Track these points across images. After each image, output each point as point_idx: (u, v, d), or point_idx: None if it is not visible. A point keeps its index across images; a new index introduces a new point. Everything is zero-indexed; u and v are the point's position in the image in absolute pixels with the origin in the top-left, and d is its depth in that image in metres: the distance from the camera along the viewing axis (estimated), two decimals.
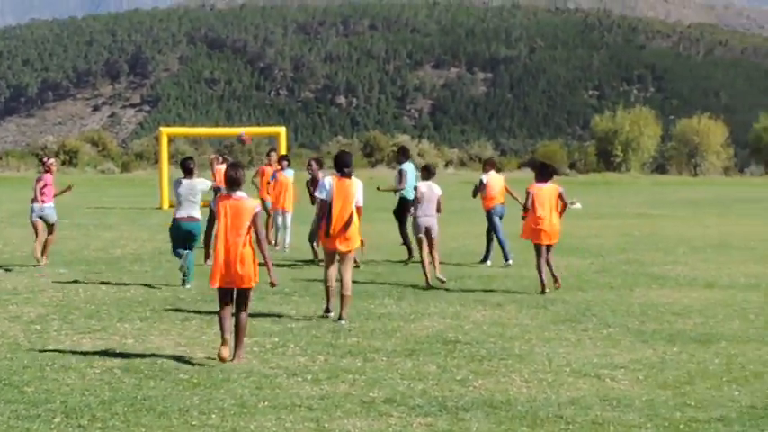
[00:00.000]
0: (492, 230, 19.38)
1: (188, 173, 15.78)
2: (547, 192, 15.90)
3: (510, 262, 18.91)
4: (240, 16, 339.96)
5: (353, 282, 13.27)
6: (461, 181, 70.88)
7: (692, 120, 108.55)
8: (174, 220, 15.68)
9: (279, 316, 12.74)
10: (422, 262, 16.15)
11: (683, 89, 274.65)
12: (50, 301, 13.87)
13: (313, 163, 20.06)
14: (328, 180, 13.06)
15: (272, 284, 10.54)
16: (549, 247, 15.93)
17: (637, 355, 10.37)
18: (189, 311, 13.04)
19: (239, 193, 10.46)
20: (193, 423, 7.82)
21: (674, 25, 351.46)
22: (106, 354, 10.32)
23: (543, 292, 15.18)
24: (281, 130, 42.75)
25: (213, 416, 8.02)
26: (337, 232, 12.80)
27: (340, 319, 12.66)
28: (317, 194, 13.32)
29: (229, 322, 10.27)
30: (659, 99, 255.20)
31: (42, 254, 18.44)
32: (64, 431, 7.62)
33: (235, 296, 10.37)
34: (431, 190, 16.67)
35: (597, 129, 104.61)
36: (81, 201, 44.63)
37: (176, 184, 15.82)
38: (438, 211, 16.61)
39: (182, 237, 15.63)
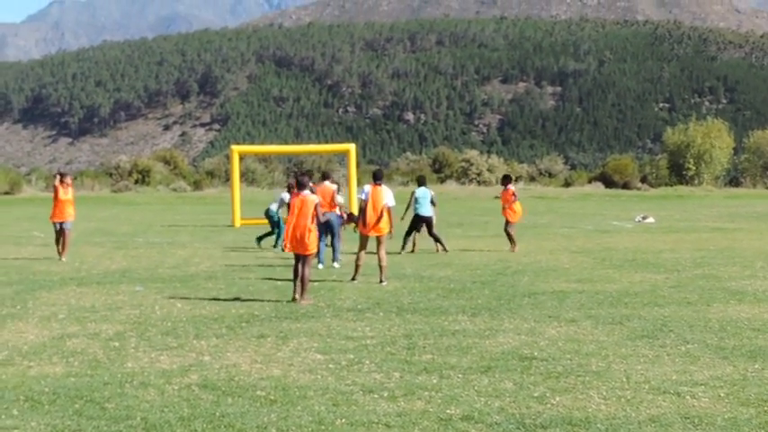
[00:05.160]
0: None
1: None
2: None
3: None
4: (308, 34, 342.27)
5: None
6: (531, 196, 70.59)
7: (765, 131, 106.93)
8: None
9: (353, 333, 12.74)
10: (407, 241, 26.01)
11: (756, 100, 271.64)
12: (127, 319, 14.01)
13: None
14: (367, 187, 18.83)
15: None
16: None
17: (717, 372, 10.20)
18: (264, 328, 13.09)
19: (305, 192, 16.04)
20: None
21: (746, 36, 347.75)
22: (184, 371, 10.39)
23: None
24: (351, 147, 42.90)
25: None
26: (372, 224, 18.32)
27: (381, 282, 18.27)
28: (359, 196, 19.54)
29: (300, 272, 15.62)
30: (732, 111, 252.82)
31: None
32: None
33: (302, 260, 15.69)
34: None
35: (669, 142, 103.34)
36: (154, 219, 45.14)
37: None
38: (433, 204, 26.15)
39: None
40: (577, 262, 22.43)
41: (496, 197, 27.10)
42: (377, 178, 18.95)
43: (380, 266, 18.49)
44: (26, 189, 75.95)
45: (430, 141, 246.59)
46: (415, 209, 26.04)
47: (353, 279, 18.73)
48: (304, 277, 15.78)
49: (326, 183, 22.72)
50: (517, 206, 26.57)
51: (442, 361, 10.85)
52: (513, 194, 26.57)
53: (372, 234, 18.50)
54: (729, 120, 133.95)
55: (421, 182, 27.07)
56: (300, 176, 16.76)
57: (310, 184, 27.70)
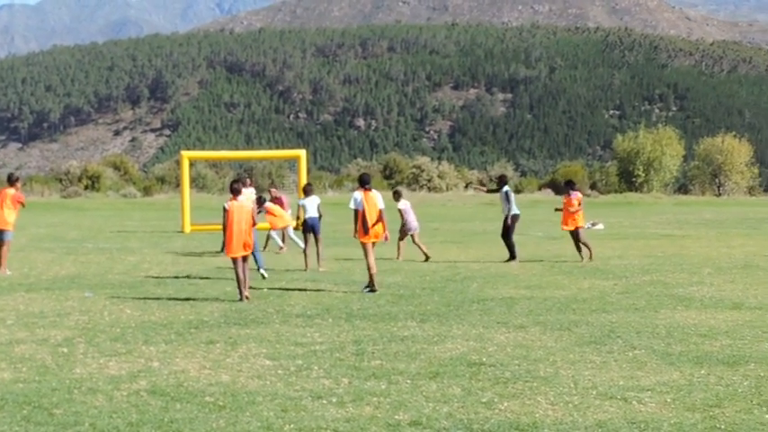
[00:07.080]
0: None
1: None
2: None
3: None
4: (259, 40, 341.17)
5: None
6: (481, 203, 70.86)
7: (715, 139, 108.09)
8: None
9: (302, 339, 12.73)
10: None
11: (706, 108, 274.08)
12: (76, 325, 13.92)
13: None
14: (358, 194, 17.95)
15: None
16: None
17: (664, 378, 10.28)
18: (213, 334, 13.06)
19: (241, 198, 17.08)
20: None
21: (697, 43, 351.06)
22: (132, 376, 10.34)
23: None
24: (301, 154, 42.82)
25: None
26: (372, 229, 17.75)
27: (374, 290, 17.64)
28: (351, 206, 18.03)
29: (242, 275, 16.52)
30: (681, 118, 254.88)
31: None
32: None
33: (243, 260, 16.64)
34: (406, 206, 25.77)
35: (619, 149, 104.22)
36: (104, 224, 44.84)
37: None
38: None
39: None
40: (527, 268, 22.54)
41: (557, 209, 26.39)
42: (365, 183, 18.24)
43: (372, 274, 17.91)
44: None
45: (381, 147, 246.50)
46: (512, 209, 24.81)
47: (374, 290, 17.74)
48: (246, 273, 16.82)
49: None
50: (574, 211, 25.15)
51: (390, 367, 10.86)
52: (580, 203, 25.20)
53: (374, 240, 18.01)
54: (679, 127, 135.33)
55: (505, 180, 25.72)
56: (234, 183, 17.45)
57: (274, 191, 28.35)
